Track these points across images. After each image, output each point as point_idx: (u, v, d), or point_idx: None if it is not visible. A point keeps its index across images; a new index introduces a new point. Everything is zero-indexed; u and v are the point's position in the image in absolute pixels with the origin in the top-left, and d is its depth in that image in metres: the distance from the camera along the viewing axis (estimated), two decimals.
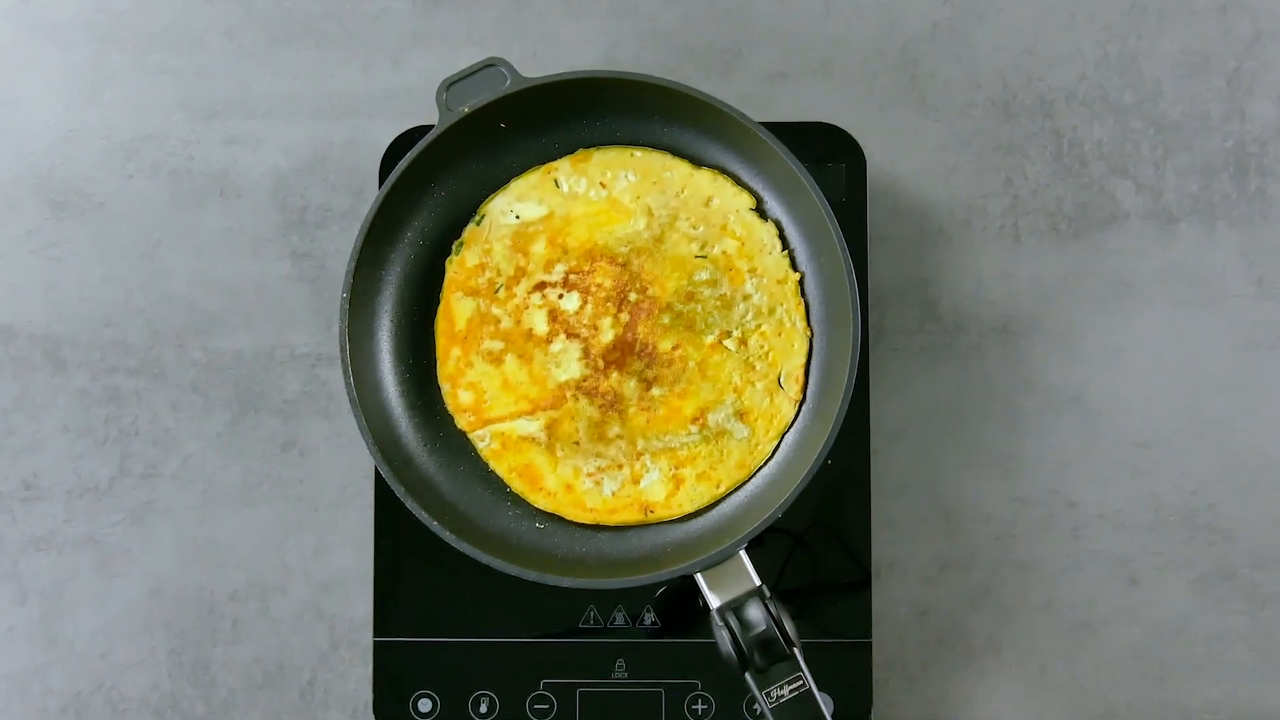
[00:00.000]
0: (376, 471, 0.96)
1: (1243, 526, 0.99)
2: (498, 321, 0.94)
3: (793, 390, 0.93)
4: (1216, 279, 1.00)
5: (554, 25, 1.03)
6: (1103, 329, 1.00)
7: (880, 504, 0.98)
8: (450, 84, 0.91)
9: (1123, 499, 0.99)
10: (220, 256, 1.01)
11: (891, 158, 1.01)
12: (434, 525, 0.88)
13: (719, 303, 0.93)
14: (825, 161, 0.97)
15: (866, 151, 0.98)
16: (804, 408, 0.93)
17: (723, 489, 0.93)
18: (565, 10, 1.03)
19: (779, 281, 0.93)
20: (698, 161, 0.94)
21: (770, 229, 0.94)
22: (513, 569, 0.87)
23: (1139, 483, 0.99)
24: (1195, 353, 1.00)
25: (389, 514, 0.96)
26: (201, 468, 1.00)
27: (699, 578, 0.86)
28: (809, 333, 0.93)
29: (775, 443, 0.93)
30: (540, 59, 1.02)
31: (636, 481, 0.93)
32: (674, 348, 0.93)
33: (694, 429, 0.92)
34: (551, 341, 0.93)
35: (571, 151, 0.95)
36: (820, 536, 0.96)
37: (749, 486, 0.93)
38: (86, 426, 1.00)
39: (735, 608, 0.85)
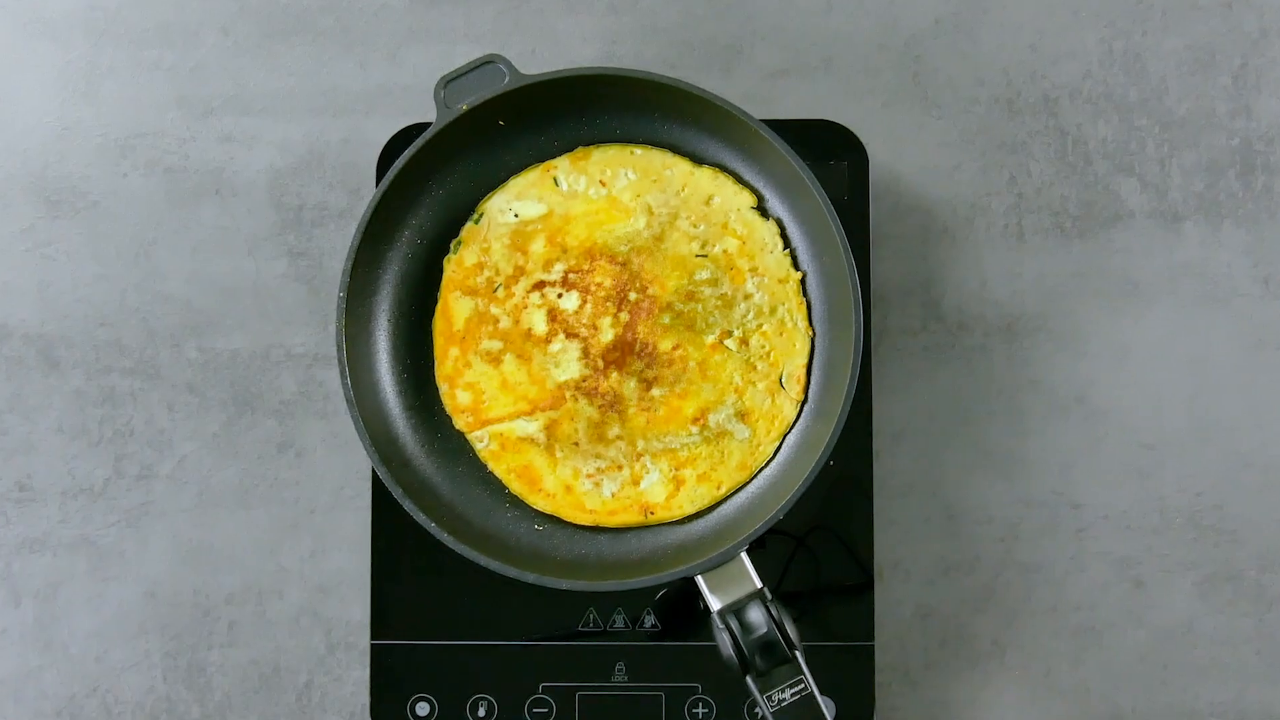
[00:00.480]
0: (373, 473, 0.95)
1: (1249, 528, 0.98)
2: (496, 321, 0.93)
3: (794, 391, 0.92)
4: (1223, 278, 0.99)
5: (553, 21, 1.02)
6: (1108, 329, 0.99)
7: (883, 505, 0.97)
8: (448, 81, 0.90)
9: (1128, 500, 0.98)
10: (216, 255, 1.00)
11: (894, 155, 1.00)
12: (431, 527, 0.87)
13: (720, 302, 0.92)
14: (827, 159, 0.96)
15: (869, 149, 0.97)
16: (806, 408, 0.92)
17: (724, 490, 0.92)
18: (564, 6, 1.02)
19: (780, 281, 0.92)
20: (698, 159, 0.93)
21: (771, 228, 0.93)
22: (511, 571, 0.86)
23: (1144, 484, 0.98)
24: (1201, 352, 0.99)
25: (386, 516, 0.96)
26: (197, 469, 0.99)
27: (700, 580, 0.85)
28: (811, 333, 0.92)
29: (777, 444, 0.92)
30: (539, 56, 1.01)
31: (636, 483, 0.92)
32: (674, 347, 0.92)
33: (694, 430, 0.92)
34: (550, 341, 0.92)
35: (571, 149, 0.94)
36: (822, 538, 0.95)
37: (750, 488, 0.92)
38: (81, 427, 1.00)
39: (736, 610, 0.84)
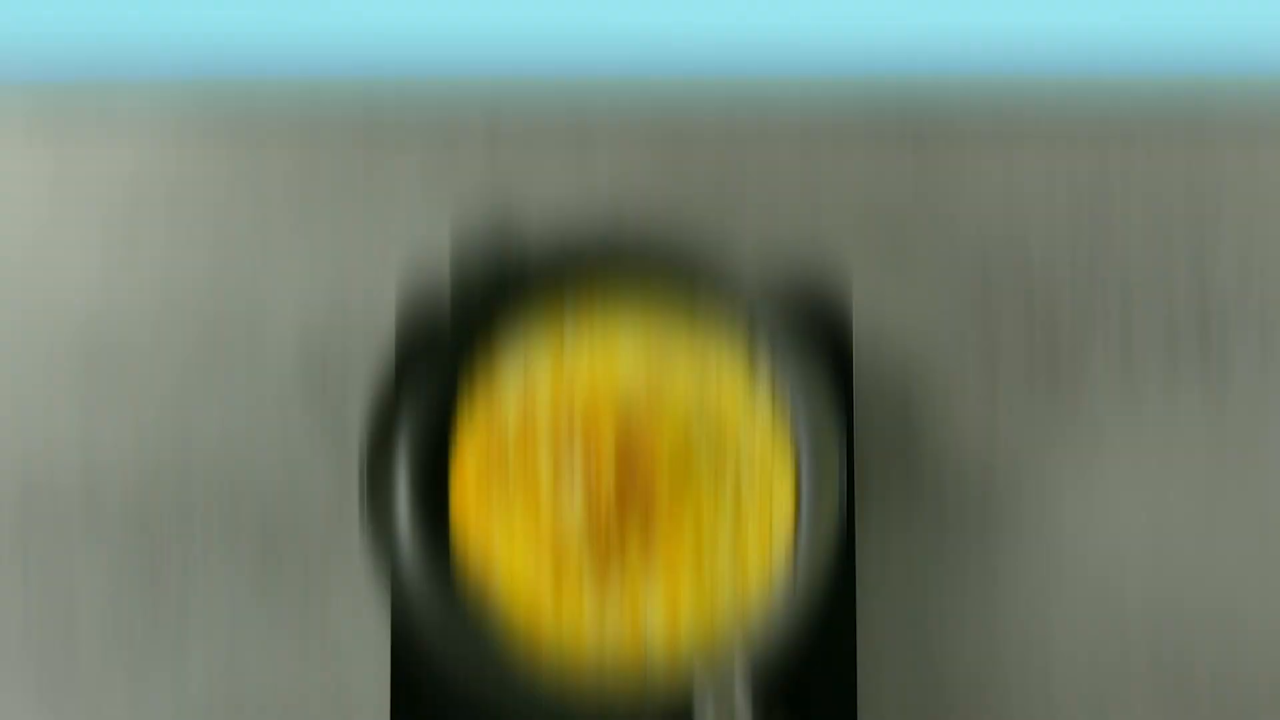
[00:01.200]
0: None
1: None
2: (507, 471, 0.98)
3: (780, 553, 0.97)
4: (1183, 438, 1.04)
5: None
6: (1077, 487, 1.03)
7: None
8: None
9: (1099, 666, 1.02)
10: (245, 411, 1.05)
11: (876, 320, 1.05)
12: None
13: (714, 457, 0.98)
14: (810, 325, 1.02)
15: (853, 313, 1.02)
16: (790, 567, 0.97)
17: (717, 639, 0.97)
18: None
19: (767, 444, 0.98)
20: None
21: (762, 387, 0.98)
22: None
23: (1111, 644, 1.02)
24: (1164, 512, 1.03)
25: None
26: (228, 628, 1.04)
27: None
28: (796, 495, 0.98)
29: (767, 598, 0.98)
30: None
31: (637, 626, 0.97)
32: (672, 499, 0.97)
33: (689, 580, 0.97)
34: (556, 491, 0.98)
35: (579, 304, 1.00)
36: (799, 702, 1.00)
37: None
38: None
39: None
